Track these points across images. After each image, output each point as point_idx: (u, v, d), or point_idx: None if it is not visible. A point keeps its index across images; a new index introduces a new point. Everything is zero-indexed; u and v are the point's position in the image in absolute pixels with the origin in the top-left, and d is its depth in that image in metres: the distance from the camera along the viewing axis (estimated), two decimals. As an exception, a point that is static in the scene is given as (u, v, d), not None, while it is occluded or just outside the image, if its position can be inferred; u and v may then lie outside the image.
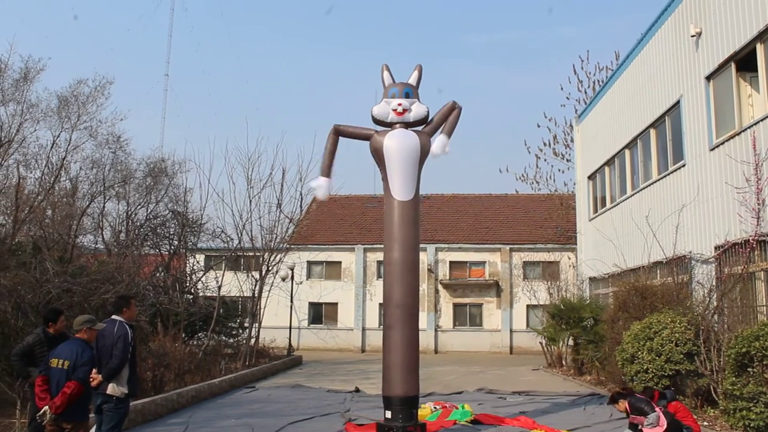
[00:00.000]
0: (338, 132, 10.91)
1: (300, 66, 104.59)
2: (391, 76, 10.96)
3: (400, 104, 10.52)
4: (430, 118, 10.87)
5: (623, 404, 9.20)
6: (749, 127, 13.01)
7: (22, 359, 8.34)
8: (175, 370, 14.94)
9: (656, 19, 17.96)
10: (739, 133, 13.45)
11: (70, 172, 23.20)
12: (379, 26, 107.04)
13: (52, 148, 21.53)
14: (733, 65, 13.83)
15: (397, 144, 10.45)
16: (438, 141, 10.77)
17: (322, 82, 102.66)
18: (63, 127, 21.58)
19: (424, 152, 10.66)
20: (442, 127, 10.94)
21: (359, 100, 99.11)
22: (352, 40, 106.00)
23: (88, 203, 22.94)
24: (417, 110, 10.60)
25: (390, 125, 10.66)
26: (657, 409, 8.80)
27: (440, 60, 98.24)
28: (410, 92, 10.71)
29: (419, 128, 10.80)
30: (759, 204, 12.48)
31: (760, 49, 12.81)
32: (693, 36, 15.36)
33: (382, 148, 10.49)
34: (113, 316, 7.71)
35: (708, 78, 14.86)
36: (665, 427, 8.59)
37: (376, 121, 10.78)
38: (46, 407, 6.82)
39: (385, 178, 10.65)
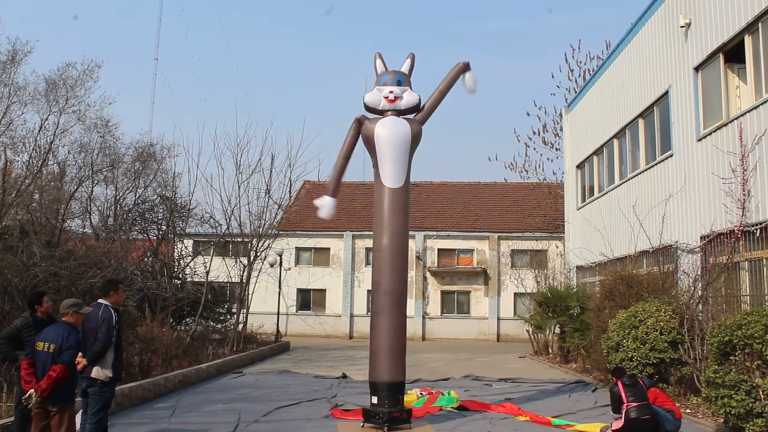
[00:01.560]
0: (347, 156, 10.84)
1: (290, 53, 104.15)
2: (384, 64, 11.00)
3: (391, 91, 10.57)
4: (421, 106, 10.92)
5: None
6: (736, 119, 13.10)
7: (9, 342, 8.32)
8: (163, 354, 14.95)
9: (646, 10, 18.00)
10: (726, 124, 13.54)
11: (58, 156, 23.12)
12: (370, 14, 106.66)
13: (39, 131, 21.43)
14: (721, 56, 13.90)
15: (389, 131, 10.49)
16: (468, 81, 11.08)
17: (312, 70, 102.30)
18: (51, 111, 21.47)
19: (416, 140, 10.71)
20: (462, 72, 11.15)
21: (351, 88, 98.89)
22: (344, 28, 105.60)
23: (76, 187, 22.84)
24: (408, 98, 10.65)
25: (382, 113, 10.70)
26: (622, 409, 9.02)
27: (430, 48, 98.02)
28: (402, 80, 10.75)
29: (411, 116, 10.84)
30: (744, 194, 12.58)
31: (747, 40, 12.87)
32: (682, 27, 15.41)
33: (373, 136, 10.54)
34: (100, 300, 7.72)
35: (696, 69, 14.93)
36: (621, 425, 8.93)
37: (368, 109, 10.80)
38: (32, 390, 6.82)
39: (375, 165, 10.69)
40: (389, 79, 10.72)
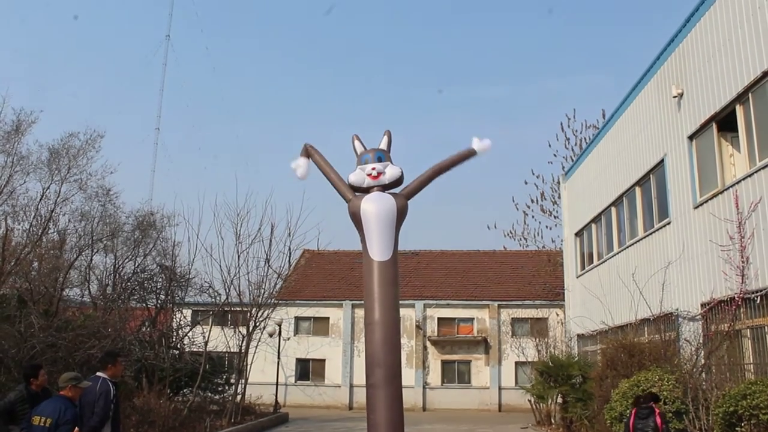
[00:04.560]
0: (331, 177, 11.13)
1: (290, 120, 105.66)
2: (362, 144, 11.36)
3: (374, 168, 10.85)
4: (404, 179, 11.20)
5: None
6: (731, 186, 13.24)
7: (3, 417, 8.20)
8: (160, 427, 14.71)
9: (640, 80, 18.39)
10: (722, 192, 13.66)
11: (59, 224, 23.17)
12: (369, 78, 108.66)
13: (41, 200, 21.56)
14: (714, 125, 14.13)
15: (374, 206, 10.72)
16: (484, 143, 11.25)
17: (312, 137, 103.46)
18: (53, 179, 21.65)
19: (401, 214, 10.94)
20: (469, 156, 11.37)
21: (350, 155, 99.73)
22: (340, 96, 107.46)
23: (75, 256, 22.83)
24: (391, 172, 10.94)
25: (367, 190, 10.98)
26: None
27: (428, 114, 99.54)
28: (382, 156, 11.07)
29: (396, 190, 11.11)
30: (743, 262, 12.60)
31: (739, 110, 13.12)
32: (675, 96, 15.72)
33: (359, 212, 10.77)
34: (98, 373, 7.65)
35: (690, 138, 15.16)
36: None
37: (354, 189, 11.09)
38: (27, 465, 6.70)
39: (363, 240, 10.88)
40: (370, 158, 11.06)
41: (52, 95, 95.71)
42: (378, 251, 10.70)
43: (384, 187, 10.96)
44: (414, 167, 11.36)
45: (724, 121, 13.89)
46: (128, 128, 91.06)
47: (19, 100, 69.70)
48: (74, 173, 22.18)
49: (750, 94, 12.70)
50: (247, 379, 23.34)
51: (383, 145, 11.31)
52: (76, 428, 7.08)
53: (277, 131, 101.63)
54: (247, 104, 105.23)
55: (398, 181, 11.08)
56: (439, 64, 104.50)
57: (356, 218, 10.89)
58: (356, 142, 11.38)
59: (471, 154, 11.60)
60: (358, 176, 10.99)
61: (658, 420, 9.24)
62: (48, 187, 21.57)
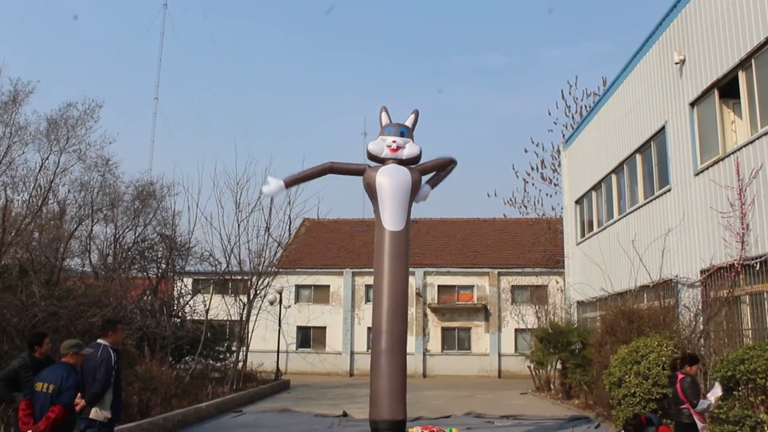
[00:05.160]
0: (332, 169, 11.32)
1: (290, 90, 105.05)
2: (389, 116, 11.48)
3: (394, 141, 11.09)
4: (421, 159, 11.36)
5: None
6: (733, 153, 13.19)
7: (7, 384, 8.26)
8: (162, 394, 14.82)
9: (641, 46, 18.22)
10: (723, 159, 13.62)
11: (58, 195, 23.19)
12: (363, 51, 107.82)
13: (40, 170, 21.54)
14: (716, 92, 14.04)
15: (390, 178, 10.90)
16: (423, 191, 11.45)
17: (312, 108, 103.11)
18: (52, 150, 21.61)
19: (416, 188, 11.11)
20: (431, 177, 11.53)
21: (349, 125, 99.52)
22: (342, 65, 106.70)
23: (75, 226, 22.87)
24: (410, 149, 11.18)
25: (383, 161, 11.10)
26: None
27: (430, 81, 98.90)
28: (405, 132, 11.31)
29: (412, 166, 11.22)
30: (743, 228, 12.61)
31: (741, 76, 13.02)
32: (677, 63, 15.59)
33: (374, 182, 10.92)
34: (98, 340, 7.69)
35: (692, 104, 15.07)
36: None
37: (371, 157, 11.23)
38: (30, 431, 6.76)
39: (377, 211, 11.03)
40: (393, 130, 11.27)
41: (51, 66, 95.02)
42: (391, 221, 10.89)
43: (400, 162, 11.14)
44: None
45: (726, 88, 13.80)
46: (127, 99, 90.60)
47: (18, 70, 69.09)
48: (73, 143, 22.15)
49: (753, 60, 12.60)
50: (248, 347, 23.50)
51: (408, 123, 11.55)
52: (79, 394, 7.14)
53: (277, 100, 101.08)
54: (246, 73, 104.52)
55: (415, 160, 11.30)
56: (438, 34, 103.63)
57: (371, 189, 11.08)
58: (383, 114, 11.65)
59: (450, 163, 11.92)
60: (377, 145, 11.20)
61: (678, 387, 8.65)
62: (47, 158, 21.56)
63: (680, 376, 8.67)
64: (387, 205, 10.86)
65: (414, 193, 11.14)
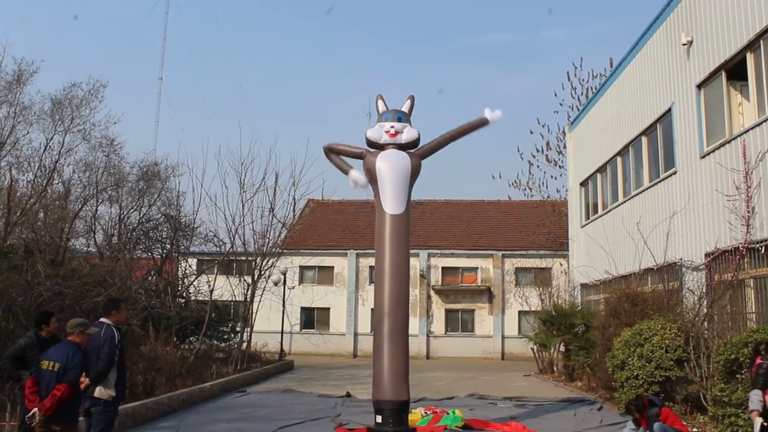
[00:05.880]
0: (330, 151, 11.61)
1: (293, 72, 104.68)
2: (385, 104, 11.66)
3: (392, 126, 11.28)
4: (420, 143, 11.48)
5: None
6: (739, 136, 13.12)
7: (14, 362, 8.31)
8: (166, 373, 14.90)
9: (648, 28, 18.08)
10: (729, 141, 13.55)
11: (63, 175, 23.19)
12: (368, 31, 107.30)
13: (45, 150, 21.54)
14: (723, 74, 13.94)
15: (389, 162, 11.08)
16: (495, 113, 11.94)
17: (316, 87, 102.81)
18: (56, 130, 21.60)
19: (415, 173, 11.34)
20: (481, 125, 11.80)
21: (353, 106, 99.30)
22: (346, 45, 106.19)
23: (80, 206, 22.89)
24: (408, 134, 11.35)
25: (382, 147, 11.22)
26: None
27: (435, 61, 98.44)
28: (402, 117, 11.51)
29: (411, 150, 11.35)
30: (749, 212, 12.57)
31: (749, 58, 12.92)
32: (684, 44, 15.47)
33: (374, 167, 11.11)
34: (102, 319, 7.71)
35: (699, 86, 14.97)
36: None
37: (370, 144, 11.38)
38: (36, 409, 6.80)
39: (377, 195, 11.17)
40: (390, 116, 11.47)
41: (55, 46, 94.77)
42: (391, 205, 11.05)
43: (399, 147, 11.30)
44: (416, 116, 11.52)
45: (734, 70, 13.70)
46: (131, 79, 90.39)
47: (22, 50, 68.96)
48: (77, 123, 22.13)
49: (761, 42, 12.50)
50: (252, 328, 23.58)
51: (405, 108, 11.74)
52: (83, 373, 7.18)
53: (281, 80, 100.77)
54: (250, 53, 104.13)
55: (414, 144, 11.44)
56: (443, 13, 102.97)
57: (371, 174, 11.26)
58: (379, 102, 11.82)
59: (483, 123, 12.08)
60: (376, 132, 11.35)
61: (754, 371, 8.43)
62: (51, 138, 21.55)
63: (759, 360, 8.52)
64: (387, 189, 11.07)
65: (414, 177, 11.36)
